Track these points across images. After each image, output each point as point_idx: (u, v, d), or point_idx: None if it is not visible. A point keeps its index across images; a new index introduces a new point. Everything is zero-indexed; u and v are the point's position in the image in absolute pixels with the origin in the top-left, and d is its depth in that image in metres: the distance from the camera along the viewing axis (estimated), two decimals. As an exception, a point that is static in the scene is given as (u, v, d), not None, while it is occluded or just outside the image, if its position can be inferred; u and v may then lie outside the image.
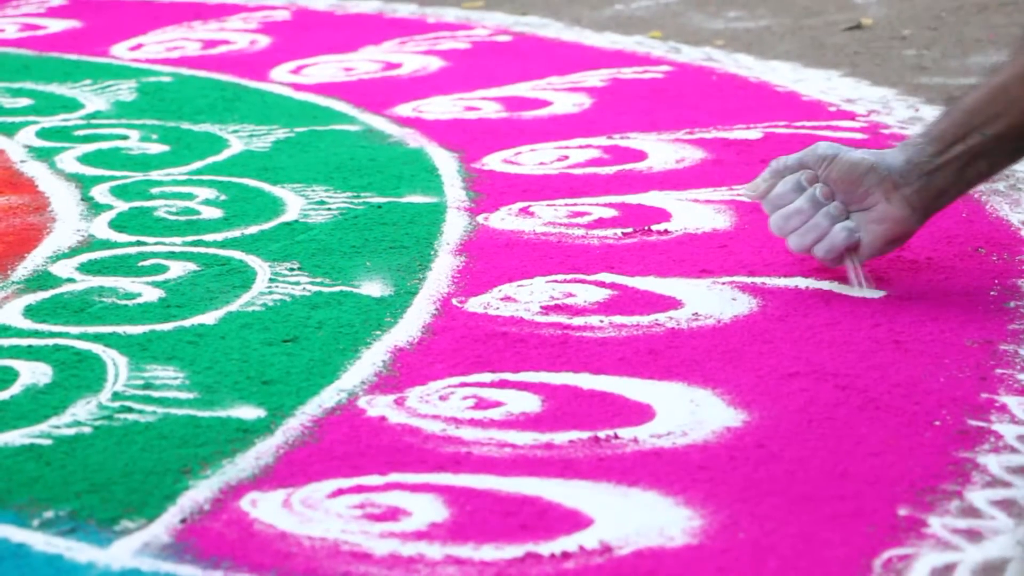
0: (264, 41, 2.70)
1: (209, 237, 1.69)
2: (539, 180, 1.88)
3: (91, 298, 1.53)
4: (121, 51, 2.64)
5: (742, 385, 1.31)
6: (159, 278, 1.58)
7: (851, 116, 2.12)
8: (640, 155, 1.96)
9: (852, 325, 1.42)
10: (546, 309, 1.48)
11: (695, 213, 1.74)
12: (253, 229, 1.72)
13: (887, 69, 2.39)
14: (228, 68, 2.49)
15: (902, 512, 1.11)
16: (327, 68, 2.48)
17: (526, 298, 1.51)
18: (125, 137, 2.10)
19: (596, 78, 2.37)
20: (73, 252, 1.66)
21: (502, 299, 1.51)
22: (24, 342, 1.42)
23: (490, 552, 1.07)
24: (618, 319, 1.45)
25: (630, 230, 1.69)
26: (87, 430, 1.25)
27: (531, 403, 1.29)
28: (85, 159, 2.00)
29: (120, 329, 1.45)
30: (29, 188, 1.89)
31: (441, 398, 1.30)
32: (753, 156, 1.94)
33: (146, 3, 3.08)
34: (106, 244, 1.69)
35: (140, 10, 3.01)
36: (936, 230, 1.65)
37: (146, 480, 1.17)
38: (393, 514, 1.12)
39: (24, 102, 2.30)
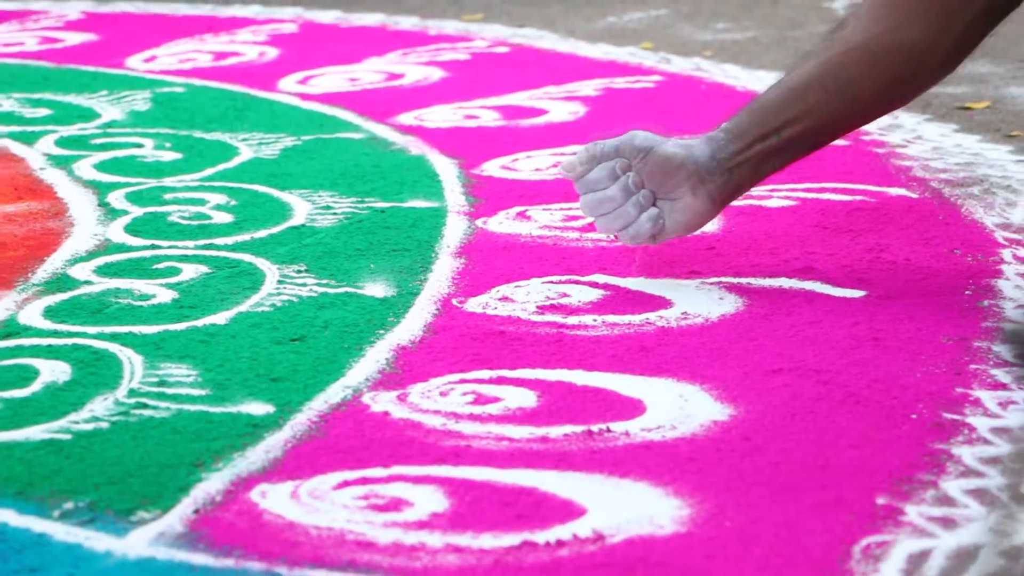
0: (272, 53, 2.70)
1: (220, 241, 1.70)
2: (535, 185, 1.88)
3: (108, 299, 1.53)
4: (136, 63, 2.64)
5: (728, 381, 1.31)
6: (172, 280, 1.58)
7: (833, 123, 2.12)
8: (632, 161, 1.96)
9: (833, 323, 1.42)
10: (542, 309, 1.48)
11: (684, 216, 1.73)
12: (262, 233, 1.72)
13: (868, 78, 2.39)
14: (238, 79, 2.50)
15: (880, 501, 1.11)
16: (333, 79, 2.48)
17: (523, 298, 1.51)
18: (140, 145, 2.10)
19: (590, 87, 2.37)
20: (90, 255, 1.66)
21: (500, 299, 1.51)
22: (44, 342, 1.43)
23: (488, 540, 1.07)
24: (611, 318, 1.46)
25: (622, 233, 1.68)
26: (104, 425, 1.26)
27: (527, 399, 1.29)
28: (102, 166, 2.00)
29: (135, 329, 1.45)
30: (49, 194, 1.90)
31: (442, 394, 1.30)
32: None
33: (160, 17, 3.09)
34: (122, 248, 1.69)
35: (154, 23, 3.01)
36: (913, 232, 1.65)
37: (161, 473, 1.18)
38: (396, 505, 1.12)
39: (43, 112, 2.30)
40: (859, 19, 1.48)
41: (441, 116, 2.23)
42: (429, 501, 1.13)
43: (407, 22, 2.94)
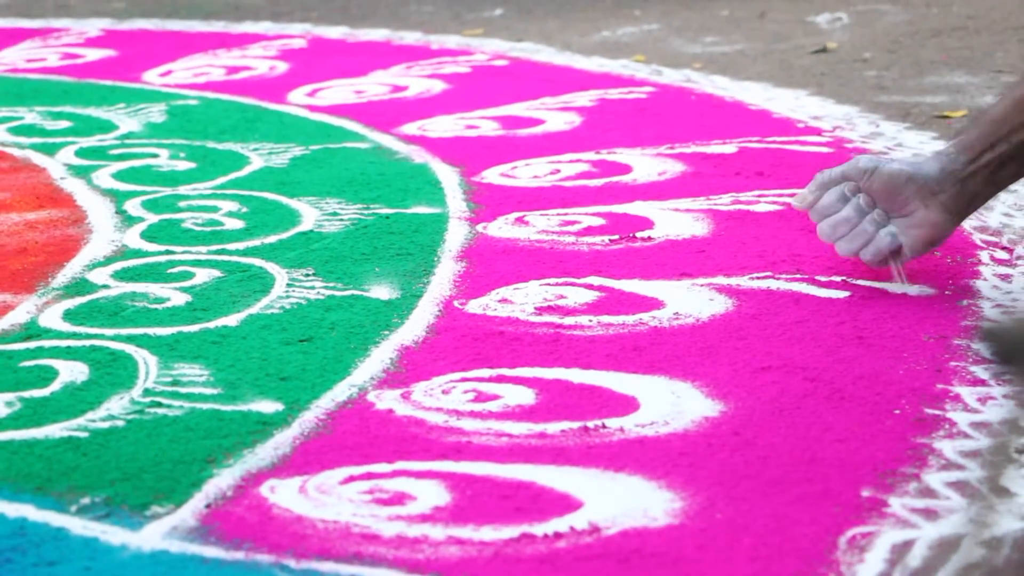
0: (282, 67, 2.69)
1: (232, 246, 1.69)
2: (533, 192, 1.87)
3: (124, 302, 1.52)
4: (152, 77, 2.63)
5: (719, 378, 1.30)
6: (186, 284, 1.57)
7: (818, 132, 2.12)
8: (625, 168, 1.96)
9: (819, 322, 1.42)
10: (540, 310, 1.47)
11: (676, 221, 1.73)
12: (272, 238, 1.71)
13: (850, 89, 2.39)
14: (249, 92, 2.49)
15: (865, 493, 1.10)
16: (340, 91, 2.48)
17: (521, 300, 1.50)
18: (156, 155, 2.09)
19: (585, 98, 2.36)
20: (108, 260, 1.66)
21: (499, 301, 1.50)
22: (63, 343, 1.42)
23: (488, 533, 1.06)
24: (606, 319, 1.45)
25: (616, 237, 1.68)
26: (120, 423, 1.25)
27: (526, 396, 1.28)
28: (119, 176, 2.00)
29: (150, 331, 1.44)
30: (68, 202, 1.89)
31: (444, 392, 1.29)
32: (728, 169, 1.93)
33: (175, 33, 3.08)
34: (138, 253, 1.68)
35: (170, 40, 3.00)
36: (895, 235, 1.64)
37: (174, 469, 1.17)
38: (400, 499, 1.11)
39: (64, 124, 2.30)
40: None
41: (443, 126, 2.22)
42: (431, 495, 1.12)
43: (411, 37, 2.94)
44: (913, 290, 1.49)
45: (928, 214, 1.46)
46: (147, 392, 1.30)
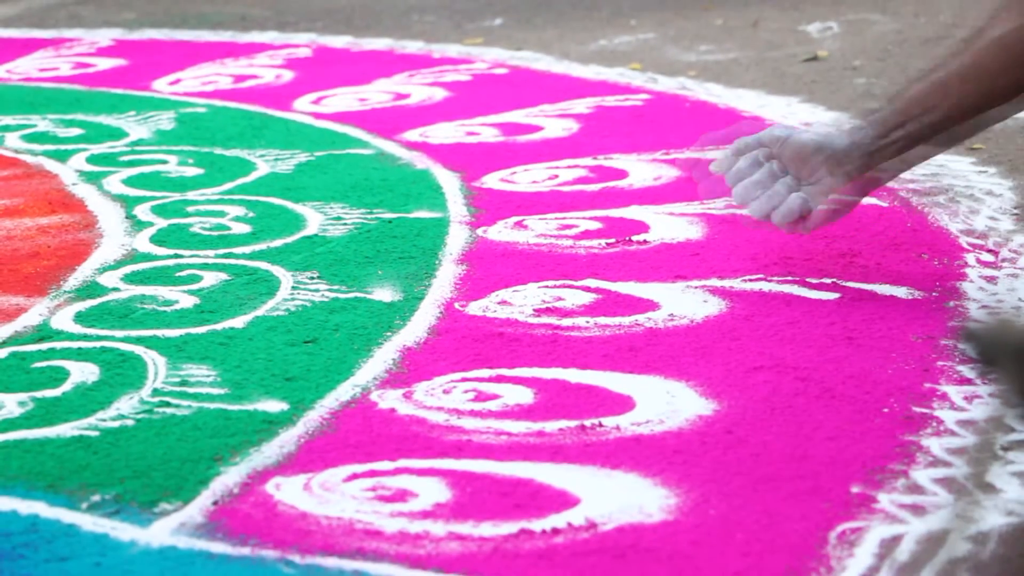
0: (288, 75, 2.69)
1: (239, 250, 1.69)
2: (532, 197, 1.87)
3: (134, 305, 1.52)
4: (162, 85, 2.63)
5: (712, 378, 1.30)
6: (194, 287, 1.57)
7: (809, 137, 2.11)
8: (622, 174, 1.95)
9: (810, 323, 1.42)
10: (538, 312, 1.47)
11: (671, 225, 1.73)
12: (278, 242, 1.71)
13: (840, 96, 2.39)
14: (256, 99, 2.49)
15: (855, 490, 1.10)
16: (344, 99, 2.47)
17: (520, 302, 1.50)
18: (165, 162, 2.09)
19: (583, 105, 2.36)
20: (118, 264, 1.65)
21: (499, 303, 1.50)
22: (75, 345, 1.42)
23: (488, 529, 1.06)
24: (602, 320, 1.45)
25: (613, 240, 1.68)
26: (130, 423, 1.25)
27: (525, 395, 1.28)
28: (129, 181, 2.00)
29: (159, 332, 1.44)
30: (80, 208, 1.89)
31: (445, 392, 1.29)
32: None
33: (184, 43, 3.08)
34: (147, 257, 1.68)
35: (179, 49, 3.00)
36: (884, 238, 1.64)
37: (182, 467, 1.17)
38: (402, 496, 1.11)
39: (76, 132, 2.30)
40: (996, 16, 1.47)
41: (444, 133, 2.22)
42: (433, 492, 1.12)
43: (413, 46, 2.93)
44: (901, 292, 1.49)
45: (832, 181, 1.49)
46: (156, 392, 1.30)
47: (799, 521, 1.06)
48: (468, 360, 1.36)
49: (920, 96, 1.48)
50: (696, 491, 1.11)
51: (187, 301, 1.53)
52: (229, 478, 1.15)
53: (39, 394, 1.31)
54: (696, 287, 1.53)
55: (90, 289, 1.57)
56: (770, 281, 1.53)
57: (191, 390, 1.31)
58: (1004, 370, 1.06)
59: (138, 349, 1.40)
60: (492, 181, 1.95)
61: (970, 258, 1.58)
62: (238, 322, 1.47)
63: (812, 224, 1.51)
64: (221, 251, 1.69)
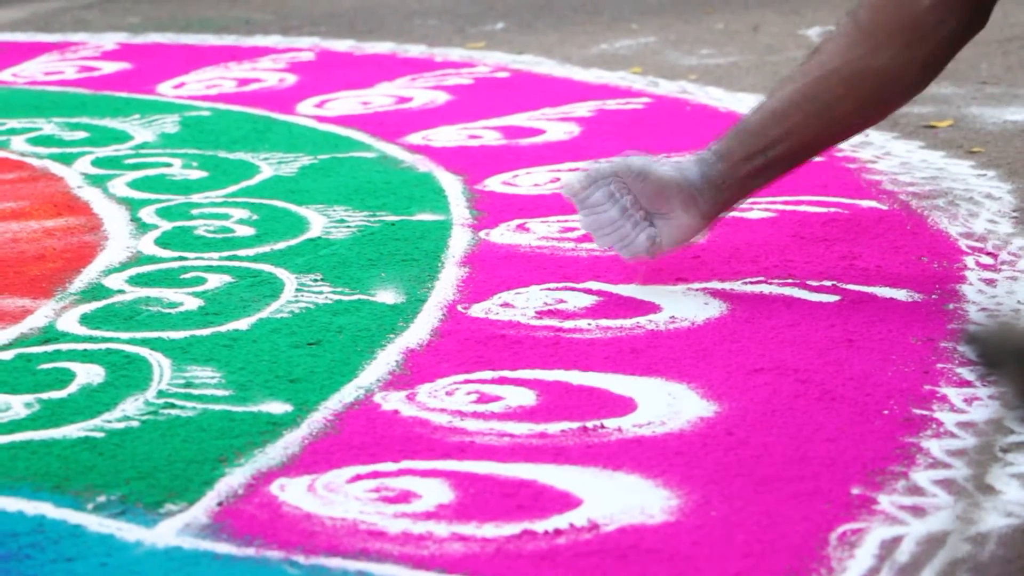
0: (291, 79, 2.69)
1: (243, 252, 1.69)
2: (534, 200, 1.87)
3: (139, 307, 1.52)
4: (166, 89, 2.63)
5: (713, 380, 1.30)
6: (199, 289, 1.57)
7: (809, 141, 2.11)
8: (623, 177, 1.95)
9: (810, 326, 1.41)
10: (540, 314, 1.47)
11: (671, 228, 1.72)
12: (281, 245, 1.71)
13: (840, 99, 2.38)
14: (260, 103, 2.49)
15: (855, 491, 1.10)
16: (347, 102, 2.47)
17: (523, 304, 1.50)
18: (169, 165, 2.09)
19: (584, 109, 2.36)
20: (123, 266, 1.65)
21: (501, 305, 1.50)
22: (80, 347, 1.42)
23: (491, 530, 1.06)
24: (604, 322, 1.44)
25: (614, 243, 1.68)
26: (135, 424, 1.25)
27: (527, 397, 1.28)
28: (134, 184, 2.00)
29: (164, 334, 1.44)
30: (85, 210, 1.89)
31: (447, 393, 1.29)
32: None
33: (188, 47, 3.08)
34: (152, 259, 1.68)
35: (183, 53, 3.00)
36: (884, 241, 1.64)
37: (187, 468, 1.17)
38: (405, 497, 1.11)
39: (81, 135, 2.30)
40: (835, 45, 1.47)
41: (447, 136, 2.22)
42: (436, 493, 1.12)
43: (415, 50, 2.94)
44: (901, 294, 1.49)
45: (687, 219, 1.52)
46: (161, 394, 1.30)
47: (800, 522, 1.06)
48: (471, 362, 1.36)
49: (762, 128, 1.50)
50: (697, 492, 1.11)
51: (192, 303, 1.53)
52: (234, 479, 1.15)
53: (45, 395, 1.31)
54: (697, 290, 1.53)
55: (95, 291, 1.57)
56: (770, 284, 1.53)
57: (196, 392, 1.31)
58: (1005, 373, 1.06)
59: (143, 351, 1.40)
60: (494, 184, 1.95)
61: (970, 261, 1.58)
62: (242, 324, 1.47)
63: (659, 253, 1.53)
64: (225, 253, 1.69)
